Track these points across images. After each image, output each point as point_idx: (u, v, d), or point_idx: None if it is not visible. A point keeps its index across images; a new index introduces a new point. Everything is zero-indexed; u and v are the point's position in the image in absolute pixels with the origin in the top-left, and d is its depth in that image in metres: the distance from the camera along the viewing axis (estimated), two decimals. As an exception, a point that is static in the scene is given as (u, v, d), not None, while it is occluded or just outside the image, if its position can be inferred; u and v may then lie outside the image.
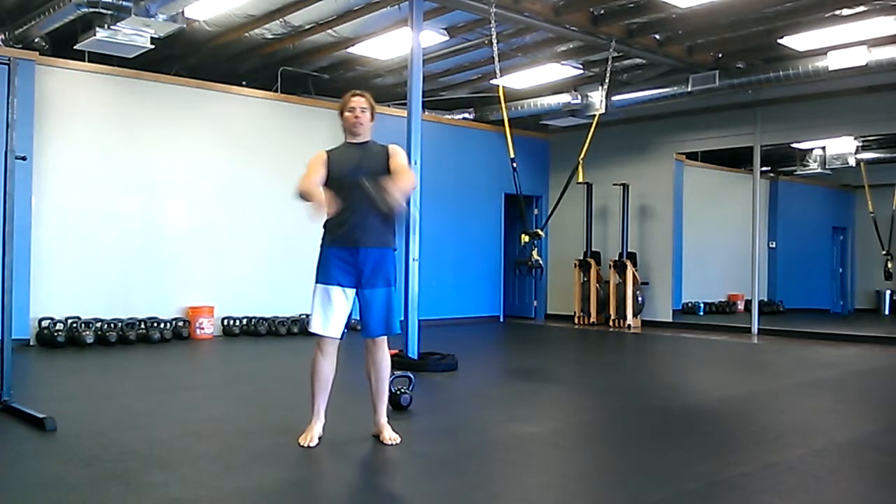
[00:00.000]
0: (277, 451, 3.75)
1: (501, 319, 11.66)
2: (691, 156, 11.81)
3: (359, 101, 3.91)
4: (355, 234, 3.78)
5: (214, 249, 8.94)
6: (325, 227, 3.88)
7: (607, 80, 9.03)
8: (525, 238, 8.71)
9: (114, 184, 8.29)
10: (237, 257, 9.04)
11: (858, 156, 12.22)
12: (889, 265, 13.10)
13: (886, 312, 14.06)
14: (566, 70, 9.48)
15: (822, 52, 8.17)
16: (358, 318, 3.92)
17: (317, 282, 3.84)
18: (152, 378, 6.33)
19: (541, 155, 12.25)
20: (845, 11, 7.40)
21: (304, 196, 3.70)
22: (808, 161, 12.69)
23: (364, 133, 3.93)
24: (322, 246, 3.87)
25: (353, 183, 3.76)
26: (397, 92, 9.98)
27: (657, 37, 8.51)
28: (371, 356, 3.93)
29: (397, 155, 3.93)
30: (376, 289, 3.82)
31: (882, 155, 12.44)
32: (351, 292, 3.81)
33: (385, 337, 3.92)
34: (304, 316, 3.57)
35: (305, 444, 3.77)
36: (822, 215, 14.67)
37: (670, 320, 10.93)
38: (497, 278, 11.64)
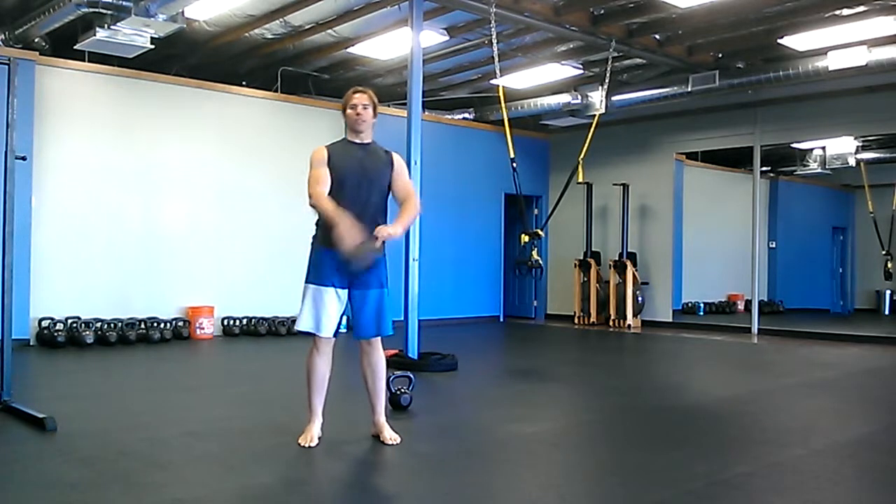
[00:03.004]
0: (277, 451, 3.75)
1: (501, 319, 11.66)
2: (691, 156, 11.82)
3: (361, 98, 3.87)
4: None
5: (214, 249, 8.94)
6: (318, 225, 3.85)
7: (607, 80, 9.03)
8: (525, 238, 8.71)
9: (114, 184, 8.29)
10: (237, 257, 9.04)
11: (858, 156, 12.23)
12: (889, 265, 13.11)
13: (886, 312, 14.07)
14: (566, 70, 9.48)
15: (822, 52, 8.17)
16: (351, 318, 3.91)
17: (308, 281, 3.81)
18: (152, 378, 6.34)
19: (541, 155, 12.25)
20: (845, 11, 7.40)
21: (324, 214, 3.66)
22: (808, 161, 12.69)
23: (366, 130, 3.89)
24: (314, 245, 3.85)
25: (352, 186, 3.75)
26: (397, 92, 9.98)
27: (657, 37, 8.51)
28: (367, 357, 3.93)
29: (403, 173, 3.95)
30: (369, 290, 3.82)
31: (882, 155, 12.44)
32: (344, 293, 3.81)
33: (379, 337, 3.92)
34: (299, 313, 3.59)
35: (305, 445, 3.77)
36: (822, 215, 14.67)
37: (670, 320, 10.92)
38: (497, 278, 11.64)
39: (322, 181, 3.75)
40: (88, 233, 8.12)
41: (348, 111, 3.87)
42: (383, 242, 3.82)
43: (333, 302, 3.78)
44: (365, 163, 3.84)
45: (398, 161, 3.96)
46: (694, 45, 8.81)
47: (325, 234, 3.79)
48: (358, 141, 3.90)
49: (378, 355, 3.94)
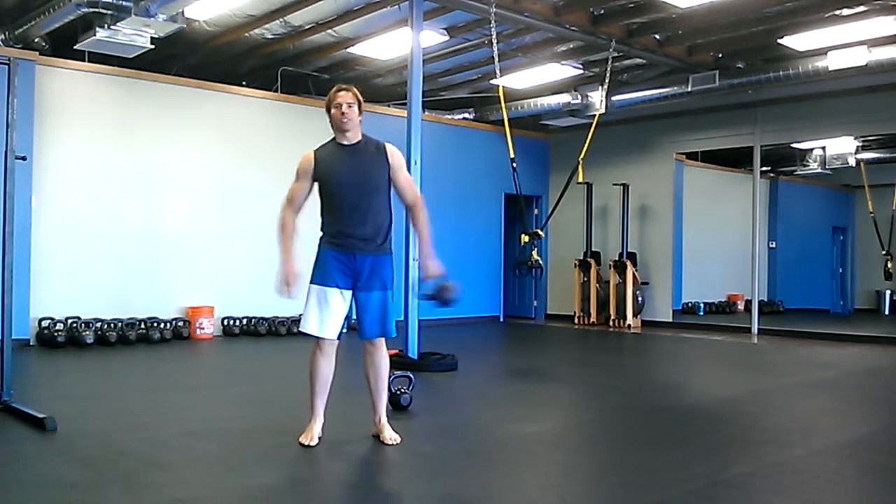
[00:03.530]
0: (277, 451, 3.75)
1: (501, 319, 11.66)
2: (691, 156, 11.81)
3: (345, 97, 3.76)
4: (350, 243, 3.75)
5: (214, 249, 8.94)
6: (322, 229, 3.86)
7: (607, 80, 9.03)
8: (525, 238, 8.72)
9: (114, 184, 8.29)
10: (237, 257, 9.04)
11: (858, 156, 12.23)
12: (889, 265, 13.11)
13: (886, 312, 14.07)
14: (566, 70, 9.48)
15: (822, 52, 8.17)
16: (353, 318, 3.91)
17: (312, 282, 3.79)
18: (152, 378, 6.34)
19: (541, 155, 12.25)
20: (845, 11, 7.40)
21: (279, 246, 3.78)
22: (808, 161, 12.69)
23: (353, 129, 3.78)
24: (320, 247, 3.84)
25: (347, 193, 3.74)
26: (397, 92, 9.98)
27: (657, 37, 8.51)
28: (369, 357, 3.93)
29: (401, 167, 3.87)
30: (372, 292, 3.80)
31: (882, 155, 12.44)
32: (348, 294, 3.80)
33: (383, 338, 3.92)
34: (304, 315, 3.63)
35: (306, 444, 3.77)
36: (822, 215, 14.67)
37: (670, 320, 10.92)
38: (497, 278, 11.64)
39: (294, 199, 3.82)
40: (88, 233, 8.12)
41: (333, 111, 3.78)
42: (390, 242, 3.87)
43: (338, 303, 3.77)
44: (355, 167, 3.77)
45: (394, 155, 3.84)
46: (694, 45, 8.82)
47: (330, 234, 3.80)
48: (346, 142, 3.81)
49: (381, 355, 3.94)
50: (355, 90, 3.82)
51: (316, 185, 3.84)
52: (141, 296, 8.38)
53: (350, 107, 3.75)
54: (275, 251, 3.90)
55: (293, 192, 3.84)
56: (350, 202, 3.74)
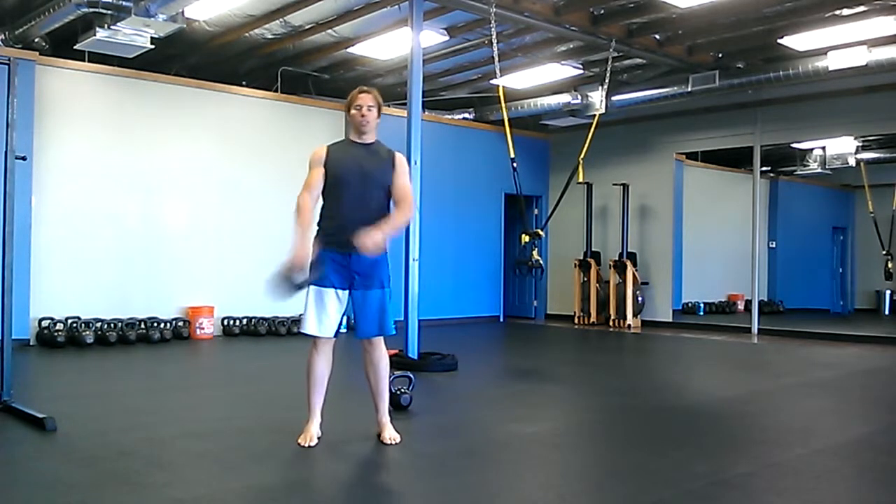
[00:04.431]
0: (277, 451, 3.75)
1: (501, 319, 11.66)
2: (691, 156, 11.82)
3: (366, 99, 3.84)
4: (349, 241, 3.72)
5: (214, 249, 8.94)
6: (318, 226, 3.86)
7: (607, 80, 9.03)
8: (525, 238, 8.71)
9: (114, 184, 8.29)
10: (237, 257, 9.04)
11: (858, 156, 12.23)
12: (889, 265, 13.11)
13: (886, 312, 14.07)
14: (566, 70, 9.48)
15: (822, 52, 8.17)
16: (352, 318, 3.90)
17: (310, 283, 3.78)
18: (152, 378, 6.34)
19: (541, 155, 12.25)
20: (845, 11, 7.40)
21: (294, 231, 3.75)
22: (808, 161, 12.70)
23: (370, 132, 3.87)
24: (315, 246, 3.83)
25: (351, 186, 3.76)
26: (397, 92, 9.97)
27: (657, 37, 8.51)
28: (369, 356, 3.93)
29: (403, 174, 3.91)
30: (370, 290, 3.81)
31: (882, 155, 12.45)
32: (344, 294, 3.81)
33: (381, 337, 3.92)
34: (303, 316, 3.64)
35: (305, 444, 3.77)
36: (822, 215, 14.67)
37: (670, 320, 10.92)
38: (497, 278, 11.64)
39: (313, 186, 3.81)
40: (88, 233, 8.12)
41: (352, 111, 3.85)
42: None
43: (333, 303, 3.79)
44: (365, 162, 3.82)
45: (400, 161, 3.92)
46: (694, 45, 8.82)
47: (326, 234, 3.81)
48: (360, 141, 3.88)
49: (380, 354, 3.93)
50: (376, 93, 3.90)
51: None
52: (141, 296, 8.37)
53: (370, 109, 3.84)
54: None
55: (311, 179, 3.84)
56: (356, 195, 3.76)
